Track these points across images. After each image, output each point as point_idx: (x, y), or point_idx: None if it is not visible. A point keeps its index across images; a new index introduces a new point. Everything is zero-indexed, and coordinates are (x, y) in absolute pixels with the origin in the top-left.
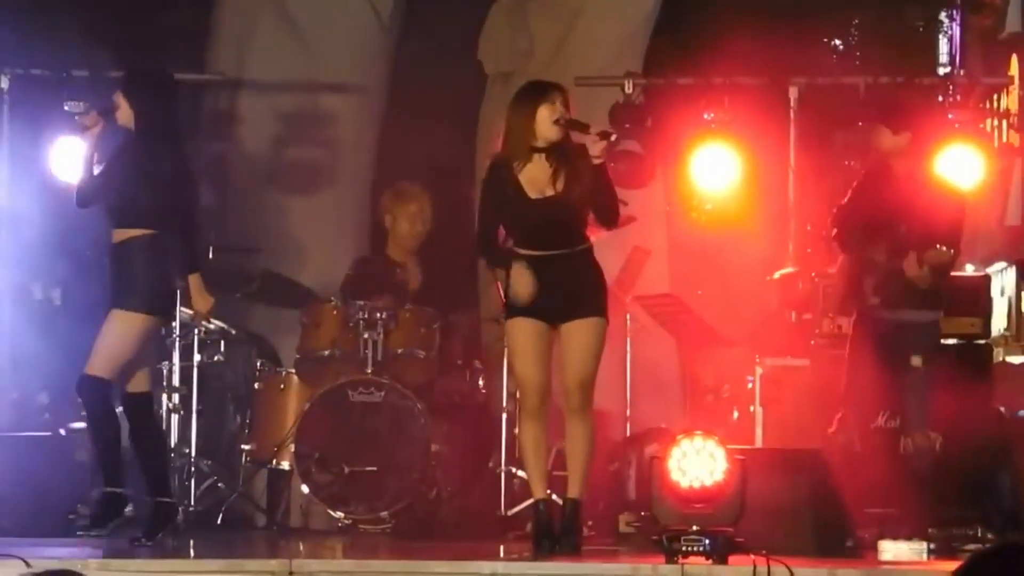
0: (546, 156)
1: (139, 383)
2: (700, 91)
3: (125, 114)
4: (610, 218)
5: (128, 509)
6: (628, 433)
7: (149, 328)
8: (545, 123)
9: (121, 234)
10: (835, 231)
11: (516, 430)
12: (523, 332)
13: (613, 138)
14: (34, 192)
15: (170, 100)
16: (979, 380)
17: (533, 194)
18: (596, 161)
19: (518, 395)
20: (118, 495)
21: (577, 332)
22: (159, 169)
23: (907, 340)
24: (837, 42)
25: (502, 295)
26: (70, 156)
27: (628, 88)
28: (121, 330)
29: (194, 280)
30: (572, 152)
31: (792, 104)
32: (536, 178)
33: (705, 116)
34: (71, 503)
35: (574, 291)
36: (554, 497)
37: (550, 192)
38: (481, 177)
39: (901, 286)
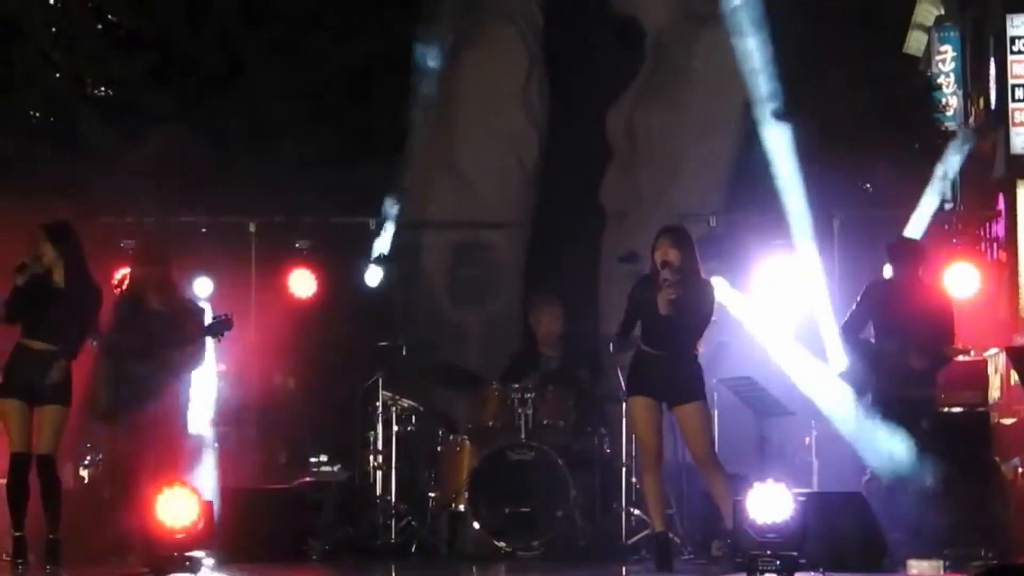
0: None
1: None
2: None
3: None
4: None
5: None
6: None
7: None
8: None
9: None
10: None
11: (634, 479)
12: (641, 407)
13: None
14: (276, 308)
15: None
16: (980, 438)
17: (662, 311)
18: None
19: (637, 453)
20: None
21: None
22: None
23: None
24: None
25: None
26: (302, 280)
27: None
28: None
29: None
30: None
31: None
32: (664, 303)
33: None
34: (303, 537)
35: (678, 381)
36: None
37: (668, 312)
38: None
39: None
